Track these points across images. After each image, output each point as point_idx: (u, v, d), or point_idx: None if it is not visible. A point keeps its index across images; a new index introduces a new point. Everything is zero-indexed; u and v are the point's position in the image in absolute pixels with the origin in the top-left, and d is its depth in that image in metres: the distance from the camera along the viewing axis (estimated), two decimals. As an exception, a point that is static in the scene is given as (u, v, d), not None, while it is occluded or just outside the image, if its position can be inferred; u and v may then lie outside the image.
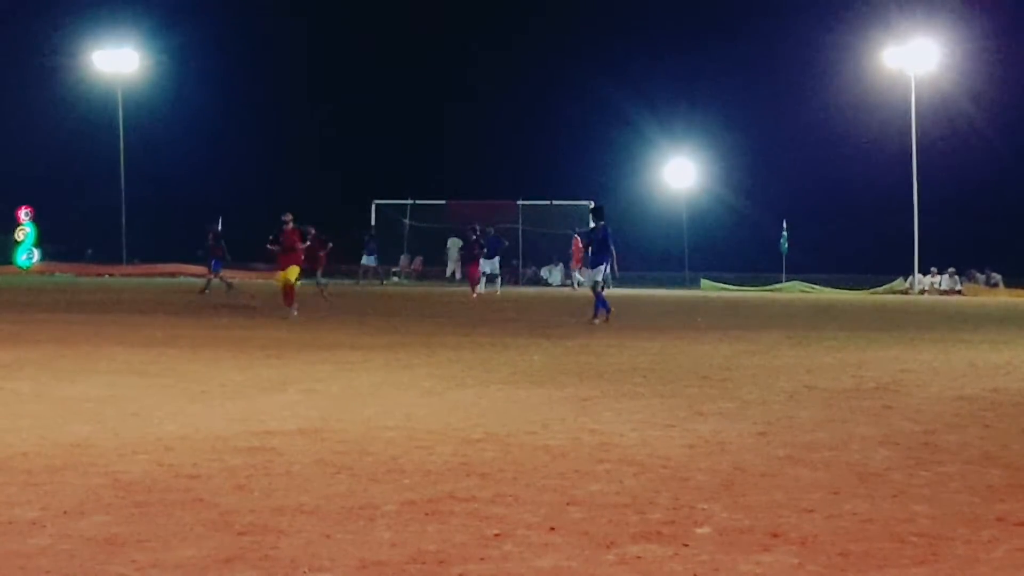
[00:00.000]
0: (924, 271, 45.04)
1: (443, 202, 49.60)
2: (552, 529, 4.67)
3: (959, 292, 42.80)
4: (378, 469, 5.86)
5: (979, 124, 52.27)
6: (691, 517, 4.91)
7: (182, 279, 40.29)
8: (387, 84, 62.57)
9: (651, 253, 56.05)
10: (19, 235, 48.90)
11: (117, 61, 50.87)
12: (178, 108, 58.00)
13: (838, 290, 44.15)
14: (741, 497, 5.32)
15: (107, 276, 44.14)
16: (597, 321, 18.57)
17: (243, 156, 59.92)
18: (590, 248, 19.91)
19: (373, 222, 48.64)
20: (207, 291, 28.05)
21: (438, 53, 61.83)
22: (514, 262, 49.24)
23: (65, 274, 46.52)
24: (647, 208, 57.80)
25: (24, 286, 33.58)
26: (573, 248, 42.31)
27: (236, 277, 40.18)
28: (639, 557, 4.29)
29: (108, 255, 50.48)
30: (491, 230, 35.20)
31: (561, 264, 47.90)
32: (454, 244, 45.83)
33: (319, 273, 25.52)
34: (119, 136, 51.36)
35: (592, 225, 19.68)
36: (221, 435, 6.80)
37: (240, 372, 10.31)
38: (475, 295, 28.52)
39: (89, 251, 52.86)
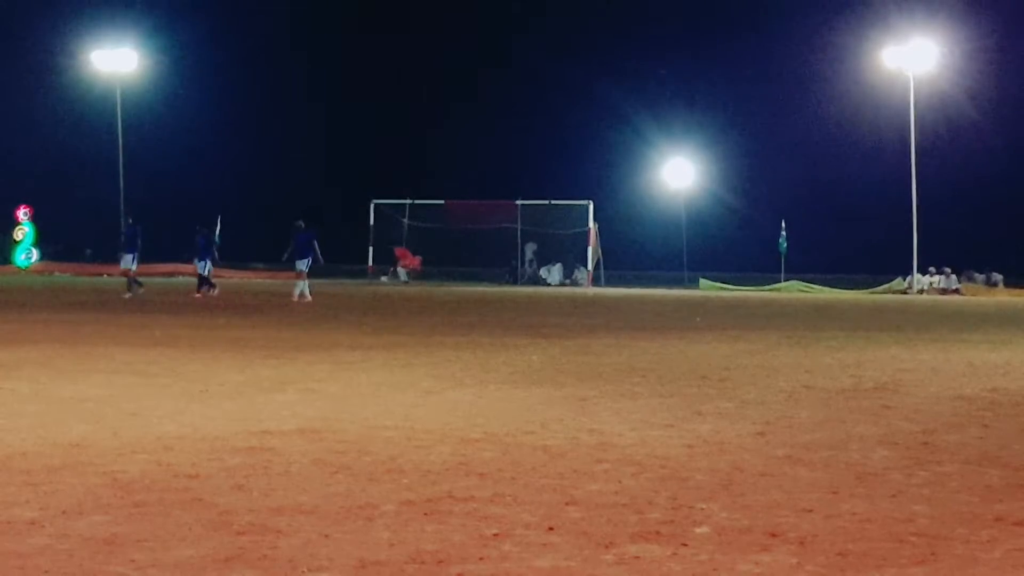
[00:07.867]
0: (923, 271, 45.06)
1: (442, 202, 49.62)
2: (551, 529, 4.66)
3: (957, 292, 42.82)
4: (377, 469, 5.85)
5: (978, 124, 52.32)
6: (690, 517, 4.91)
7: (180, 279, 40.30)
8: (387, 84, 62.58)
9: (650, 253, 56.12)
10: (18, 235, 48.90)
11: (116, 60, 50.87)
12: (177, 108, 58.06)
13: (837, 290, 44.17)
14: (740, 497, 5.32)
15: (105, 276, 44.11)
16: None
17: (242, 156, 59.94)
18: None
19: (372, 221, 48.60)
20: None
21: (438, 53, 61.85)
22: (513, 262, 49.27)
23: (64, 274, 46.50)
24: (646, 208, 57.85)
25: (23, 286, 33.58)
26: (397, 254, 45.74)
27: (236, 277, 40.22)
28: (638, 557, 4.29)
29: (107, 255, 50.51)
30: (300, 223, 26.41)
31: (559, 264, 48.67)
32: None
33: None
34: (118, 136, 51.37)
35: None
36: (220, 435, 6.80)
37: (239, 372, 10.30)
38: None
39: (88, 251, 52.87)
